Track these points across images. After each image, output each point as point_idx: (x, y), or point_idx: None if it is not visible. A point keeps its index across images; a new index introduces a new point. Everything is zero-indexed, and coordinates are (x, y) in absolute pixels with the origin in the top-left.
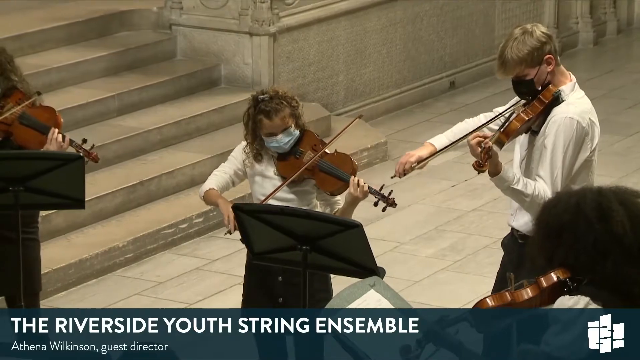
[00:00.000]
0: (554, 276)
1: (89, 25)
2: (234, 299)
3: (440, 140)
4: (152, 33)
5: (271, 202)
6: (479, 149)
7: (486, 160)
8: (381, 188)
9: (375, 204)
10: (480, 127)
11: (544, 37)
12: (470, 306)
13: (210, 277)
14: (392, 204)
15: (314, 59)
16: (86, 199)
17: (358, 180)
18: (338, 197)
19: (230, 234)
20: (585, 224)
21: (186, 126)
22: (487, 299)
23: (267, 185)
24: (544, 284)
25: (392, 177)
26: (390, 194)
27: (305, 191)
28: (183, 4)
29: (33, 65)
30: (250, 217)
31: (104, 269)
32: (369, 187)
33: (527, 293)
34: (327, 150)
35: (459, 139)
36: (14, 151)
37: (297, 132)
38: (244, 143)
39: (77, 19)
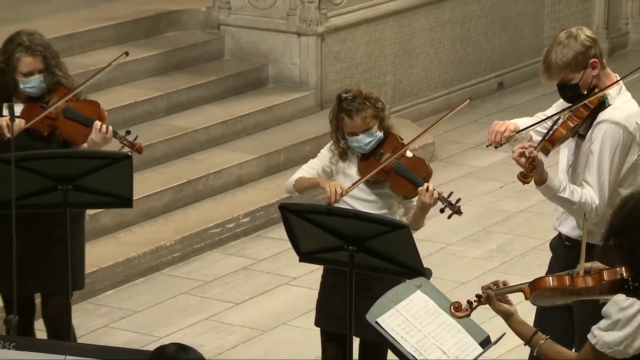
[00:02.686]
0: (618, 272)
1: (137, 25)
2: (280, 299)
3: (523, 120)
4: (200, 33)
5: (351, 202)
6: (524, 159)
7: (531, 171)
8: (449, 195)
9: (442, 211)
10: (539, 122)
11: (588, 41)
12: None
13: (257, 277)
14: (458, 211)
15: (362, 59)
16: (134, 198)
17: (427, 187)
18: (415, 202)
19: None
20: None
21: (233, 126)
22: (548, 278)
23: (348, 184)
24: (606, 277)
25: (487, 146)
26: (457, 201)
27: (385, 194)
28: (231, 4)
29: (82, 65)
30: (297, 217)
31: (151, 268)
32: (438, 193)
33: (587, 281)
34: (407, 154)
35: (542, 120)
36: (63, 150)
37: (380, 134)
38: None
39: (125, 19)
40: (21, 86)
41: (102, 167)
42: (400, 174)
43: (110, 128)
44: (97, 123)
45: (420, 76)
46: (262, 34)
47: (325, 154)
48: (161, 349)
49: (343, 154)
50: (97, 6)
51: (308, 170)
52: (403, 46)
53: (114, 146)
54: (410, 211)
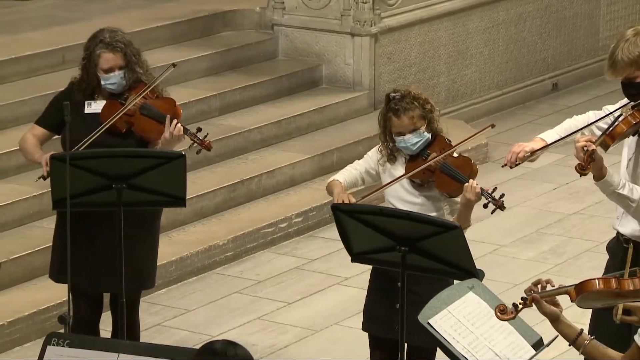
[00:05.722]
0: None
1: (192, 25)
2: (332, 299)
3: (550, 135)
4: (254, 33)
5: (398, 204)
6: (583, 152)
7: (589, 164)
8: (493, 190)
9: (485, 206)
10: (589, 124)
11: None
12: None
13: (309, 277)
14: (501, 207)
15: (415, 59)
16: (187, 197)
17: (471, 183)
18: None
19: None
20: None
21: (287, 126)
22: (595, 280)
23: (395, 186)
24: None
25: (502, 166)
26: (501, 197)
27: (433, 196)
28: (285, 4)
29: None
30: (349, 217)
31: (204, 267)
32: (481, 188)
33: (634, 284)
34: (453, 155)
35: (569, 134)
36: (118, 149)
37: (428, 135)
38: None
39: (180, 19)
40: (102, 82)
41: (156, 166)
42: (445, 172)
43: (180, 125)
44: (170, 120)
45: (474, 77)
46: (316, 34)
47: (372, 156)
48: (209, 344)
49: (391, 155)
50: (153, 6)
51: (350, 171)
52: (457, 47)
53: (183, 143)
54: (456, 211)
